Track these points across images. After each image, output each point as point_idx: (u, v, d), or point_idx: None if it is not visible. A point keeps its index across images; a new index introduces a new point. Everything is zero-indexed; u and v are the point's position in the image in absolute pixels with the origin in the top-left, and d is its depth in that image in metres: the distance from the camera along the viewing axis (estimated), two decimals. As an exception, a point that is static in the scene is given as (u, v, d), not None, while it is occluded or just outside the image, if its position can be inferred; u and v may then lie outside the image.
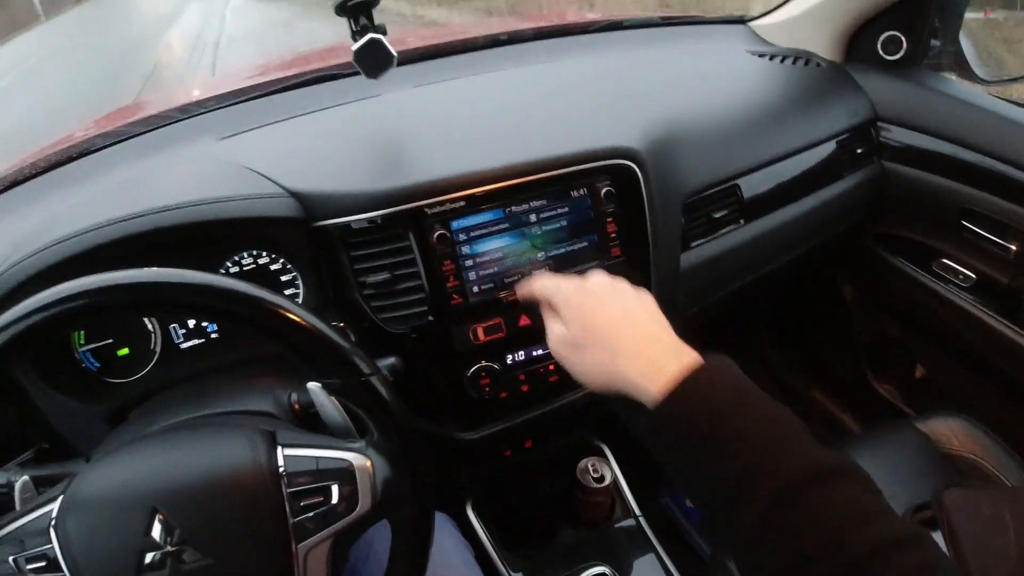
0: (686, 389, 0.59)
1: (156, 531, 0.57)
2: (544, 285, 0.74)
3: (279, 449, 0.63)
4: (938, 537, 0.92)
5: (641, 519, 1.16)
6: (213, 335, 0.91)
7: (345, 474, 0.62)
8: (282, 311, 0.59)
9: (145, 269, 0.57)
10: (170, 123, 1.18)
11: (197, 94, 1.32)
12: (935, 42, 1.33)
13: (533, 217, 0.90)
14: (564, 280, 0.72)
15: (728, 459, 0.55)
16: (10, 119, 9.17)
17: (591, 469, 1.13)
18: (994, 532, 0.90)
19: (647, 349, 0.63)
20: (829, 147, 1.25)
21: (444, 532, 0.99)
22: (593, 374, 0.67)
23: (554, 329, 0.71)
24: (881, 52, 1.33)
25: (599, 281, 0.71)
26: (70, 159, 1.12)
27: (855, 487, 0.54)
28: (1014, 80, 1.38)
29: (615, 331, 0.66)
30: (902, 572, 0.48)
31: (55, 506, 0.59)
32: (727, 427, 0.57)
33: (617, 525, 1.17)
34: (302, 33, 9.85)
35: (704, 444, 0.57)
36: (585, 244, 0.94)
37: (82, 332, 0.86)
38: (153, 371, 0.88)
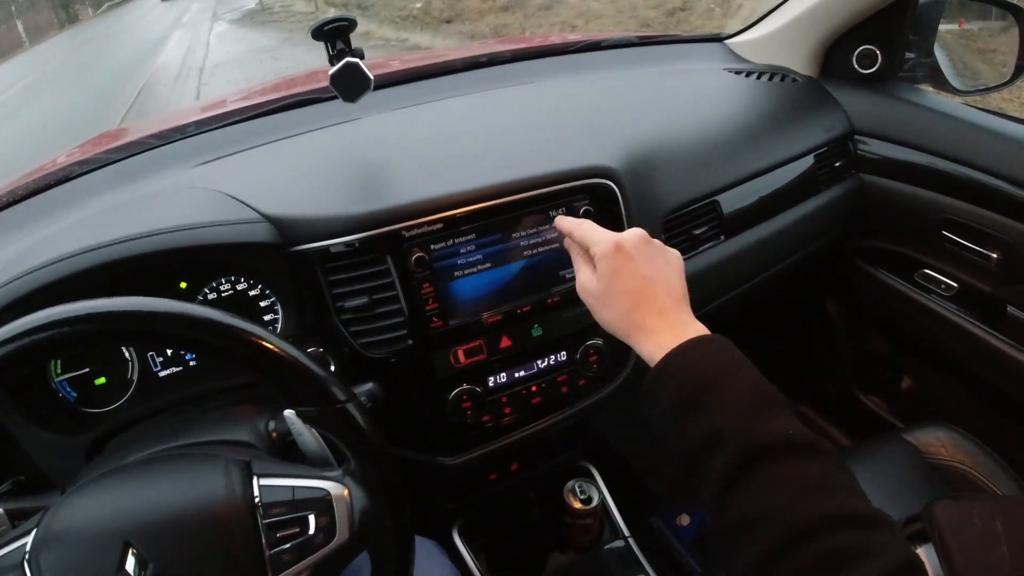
0: (679, 355, 0.64)
1: (130, 565, 0.56)
2: (584, 233, 0.78)
3: (254, 479, 0.62)
4: (930, 550, 0.91)
5: (631, 540, 1.15)
6: (192, 363, 0.90)
7: (322, 503, 0.61)
8: (255, 339, 0.59)
9: (116, 299, 0.56)
10: (147, 150, 1.18)
11: (177, 120, 1.31)
12: (910, 55, 1.35)
13: (512, 237, 0.89)
14: (602, 232, 0.76)
15: (703, 421, 0.59)
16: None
17: (578, 491, 1.12)
18: (986, 545, 0.89)
19: (657, 318, 0.69)
20: (807, 161, 1.25)
21: (432, 559, 0.98)
22: (608, 325, 0.74)
23: (583, 275, 0.77)
24: (856, 66, 1.34)
25: (634, 241, 0.74)
26: (47, 187, 1.11)
27: (822, 462, 0.56)
28: (989, 90, 1.39)
29: (635, 296, 0.71)
30: (845, 548, 0.49)
31: (29, 540, 0.58)
32: (709, 393, 0.60)
33: (606, 547, 1.15)
34: (286, 59, 9.87)
35: (685, 406, 0.61)
36: (565, 264, 0.93)
37: (58, 362, 0.84)
38: (131, 400, 0.87)
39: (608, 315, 0.73)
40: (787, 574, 0.50)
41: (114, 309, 0.56)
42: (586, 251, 0.77)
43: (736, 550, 0.54)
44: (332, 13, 0.90)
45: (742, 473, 0.55)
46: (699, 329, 0.68)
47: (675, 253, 0.77)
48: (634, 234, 0.74)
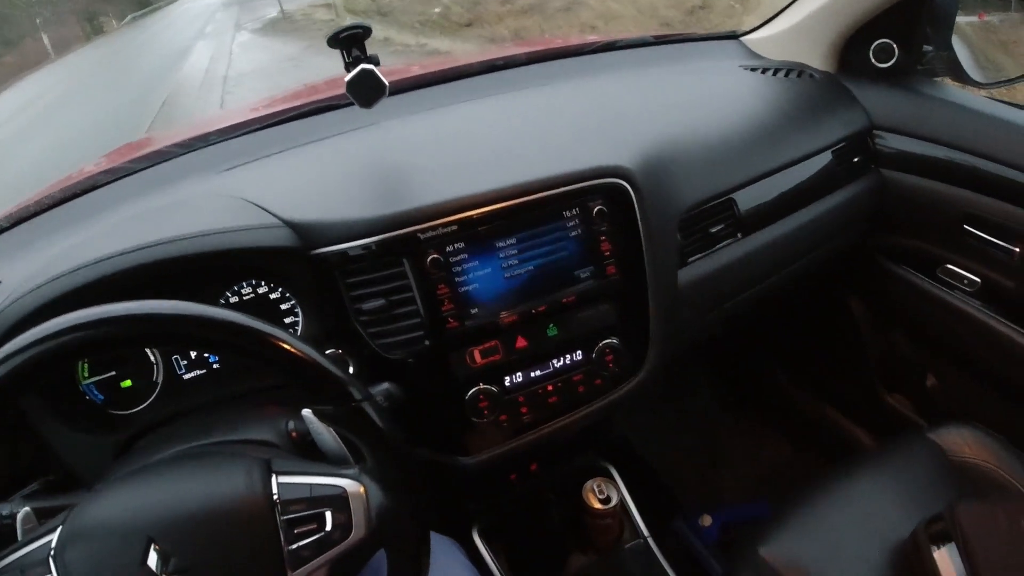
0: None
1: (152, 560, 0.57)
2: None
3: (273, 476, 0.63)
4: (952, 550, 0.90)
5: (650, 540, 1.15)
6: (215, 366, 0.92)
7: (339, 500, 0.62)
8: (273, 340, 0.60)
9: (141, 302, 0.58)
10: (172, 158, 1.20)
11: (200, 129, 1.33)
12: (928, 48, 1.33)
13: (527, 238, 0.90)
14: None
15: None
16: (24, 159, 9.30)
17: (597, 491, 1.12)
18: (1010, 546, 0.88)
19: None
20: (825, 158, 1.25)
21: (452, 559, 0.98)
22: None
23: None
24: (874, 60, 1.33)
25: None
26: (75, 195, 1.14)
27: None
28: (1012, 81, 1.37)
29: None
30: None
31: (55, 536, 0.59)
32: None
33: (627, 548, 1.15)
34: (309, 68, 9.93)
35: None
36: (580, 264, 0.94)
37: (86, 365, 0.87)
38: (157, 402, 0.89)
39: None
40: None
41: (139, 312, 0.57)
42: None
43: None
44: (351, 20, 0.91)
45: None
46: None
47: None
48: None
